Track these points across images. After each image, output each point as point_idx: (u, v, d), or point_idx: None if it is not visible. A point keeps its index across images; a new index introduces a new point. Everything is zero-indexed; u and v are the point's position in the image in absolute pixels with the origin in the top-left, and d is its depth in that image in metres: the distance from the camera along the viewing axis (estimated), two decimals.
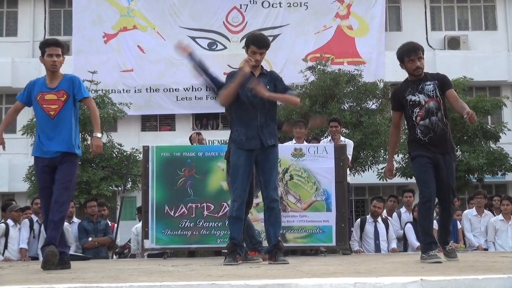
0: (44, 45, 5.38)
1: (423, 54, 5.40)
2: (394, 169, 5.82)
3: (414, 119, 5.35)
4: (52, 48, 5.32)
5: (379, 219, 9.36)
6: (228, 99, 5.69)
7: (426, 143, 5.33)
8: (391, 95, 5.69)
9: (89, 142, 14.04)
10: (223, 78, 6.20)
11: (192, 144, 10.01)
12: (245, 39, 5.88)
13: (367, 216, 9.59)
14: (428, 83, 5.34)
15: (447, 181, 5.38)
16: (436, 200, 5.52)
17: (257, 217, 7.31)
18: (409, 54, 5.36)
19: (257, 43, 5.65)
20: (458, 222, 9.65)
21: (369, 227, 9.29)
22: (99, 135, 5.41)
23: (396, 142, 5.82)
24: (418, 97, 5.32)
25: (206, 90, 15.54)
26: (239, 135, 5.68)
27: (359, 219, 9.75)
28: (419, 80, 5.38)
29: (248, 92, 5.61)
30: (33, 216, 9.17)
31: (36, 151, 5.38)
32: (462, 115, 5.21)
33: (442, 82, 5.37)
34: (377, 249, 9.18)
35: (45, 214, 5.37)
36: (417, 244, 8.99)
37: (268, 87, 5.67)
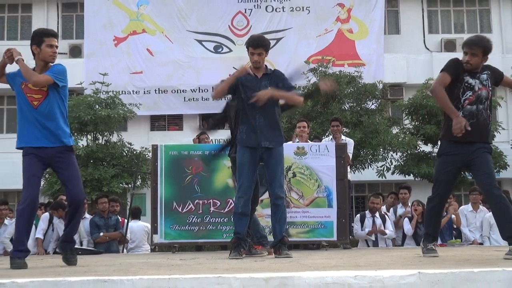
0: (43, 35, 5.10)
1: (483, 52, 5.17)
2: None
3: (462, 101, 5.13)
4: (52, 38, 5.10)
5: (377, 215, 9.45)
6: (218, 96, 6.05)
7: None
8: (453, 60, 5.23)
9: (100, 141, 14.16)
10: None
11: None
12: None
13: (366, 212, 9.70)
14: (484, 73, 5.28)
15: (485, 170, 5.03)
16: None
17: (261, 213, 7.50)
18: (463, 45, 5.29)
19: (252, 43, 5.76)
20: (453, 216, 9.73)
21: (368, 222, 9.39)
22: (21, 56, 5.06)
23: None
24: (474, 82, 5.17)
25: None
26: (241, 133, 5.79)
27: (359, 214, 9.87)
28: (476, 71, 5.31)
29: (248, 92, 5.71)
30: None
31: (20, 141, 5.02)
32: None
33: (493, 72, 5.36)
34: (376, 243, 9.31)
35: (32, 205, 4.88)
36: (411, 231, 9.34)
37: (269, 88, 5.73)
